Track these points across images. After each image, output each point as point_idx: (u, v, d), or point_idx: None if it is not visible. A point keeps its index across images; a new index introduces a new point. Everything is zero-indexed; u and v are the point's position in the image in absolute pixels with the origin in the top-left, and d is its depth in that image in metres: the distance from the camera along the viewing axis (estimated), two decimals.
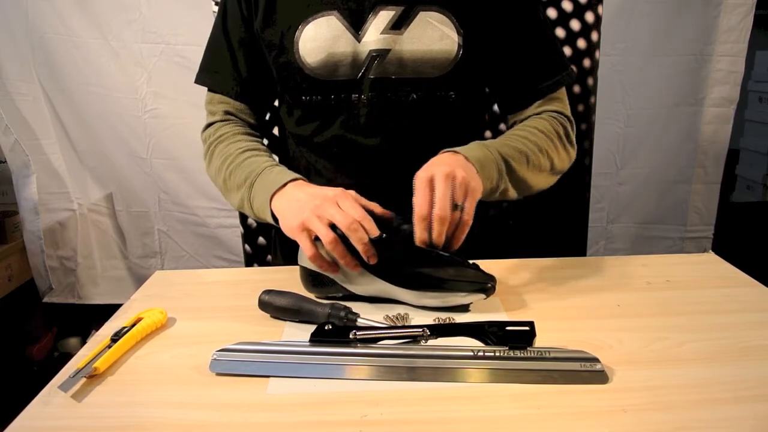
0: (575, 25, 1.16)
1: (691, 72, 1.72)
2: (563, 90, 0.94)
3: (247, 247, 1.27)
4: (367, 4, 0.85)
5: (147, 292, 0.84)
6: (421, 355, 0.62)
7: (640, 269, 0.85)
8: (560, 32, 1.17)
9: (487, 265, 0.74)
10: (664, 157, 1.82)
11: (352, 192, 0.75)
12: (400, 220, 0.75)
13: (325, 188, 0.76)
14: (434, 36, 0.85)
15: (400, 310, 0.73)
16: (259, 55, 0.92)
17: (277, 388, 0.58)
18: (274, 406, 0.56)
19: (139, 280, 1.76)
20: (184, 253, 1.93)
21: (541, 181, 0.88)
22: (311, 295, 0.76)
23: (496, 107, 1.15)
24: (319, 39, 0.85)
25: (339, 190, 0.74)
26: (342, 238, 0.70)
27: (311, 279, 0.77)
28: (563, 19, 1.16)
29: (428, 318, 0.71)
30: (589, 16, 1.16)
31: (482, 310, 0.73)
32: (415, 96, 0.88)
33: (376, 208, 0.75)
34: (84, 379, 0.60)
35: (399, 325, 0.70)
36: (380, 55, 0.85)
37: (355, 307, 0.71)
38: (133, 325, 0.68)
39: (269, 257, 1.20)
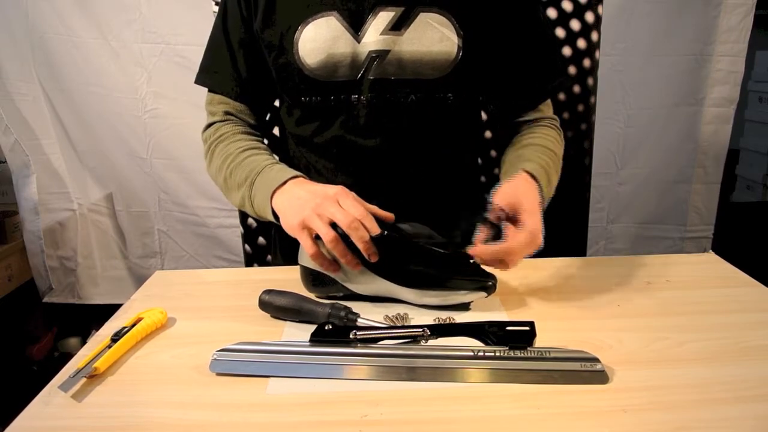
0: (575, 25, 1.16)
1: (691, 72, 1.72)
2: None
3: (247, 247, 1.27)
4: (367, 4, 0.85)
5: (147, 292, 0.84)
6: (421, 355, 0.62)
7: (640, 269, 0.85)
8: (560, 32, 1.17)
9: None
10: (664, 157, 1.82)
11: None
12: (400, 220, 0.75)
13: (326, 186, 0.76)
14: (434, 37, 0.85)
15: (400, 310, 0.73)
16: (259, 56, 0.92)
17: (277, 388, 0.58)
18: (274, 406, 0.56)
19: (139, 280, 1.76)
20: (184, 253, 1.93)
21: None
22: (311, 295, 0.76)
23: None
24: (319, 40, 0.85)
25: (339, 188, 0.74)
26: (343, 237, 0.70)
27: (312, 278, 0.77)
28: (563, 19, 1.16)
29: (428, 318, 0.71)
30: (589, 16, 1.16)
31: (482, 310, 0.73)
32: (414, 97, 0.88)
33: (377, 210, 0.75)
34: (84, 379, 0.60)
35: (399, 325, 0.70)
36: (380, 56, 0.85)
37: (355, 306, 0.71)
38: (133, 325, 0.68)
39: (269, 257, 1.20)
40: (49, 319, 1.90)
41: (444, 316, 0.71)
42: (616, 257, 0.91)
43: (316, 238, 0.73)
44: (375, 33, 0.85)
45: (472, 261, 0.73)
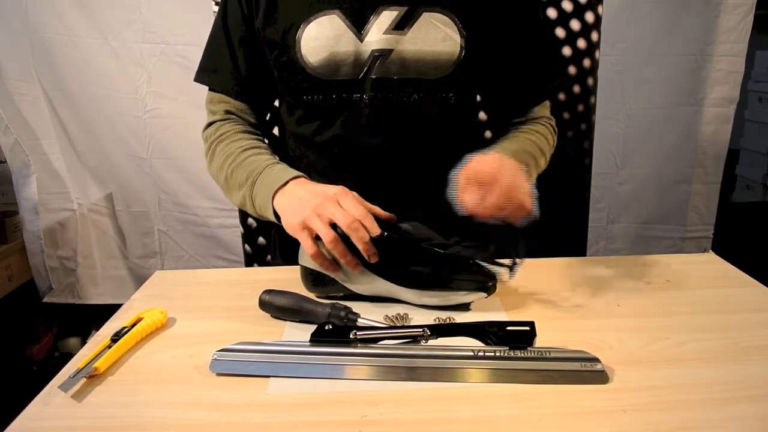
0: (575, 25, 1.16)
1: (691, 72, 1.72)
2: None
3: (247, 247, 1.27)
4: (369, 3, 0.85)
5: (147, 292, 0.84)
6: (421, 355, 0.62)
7: (640, 269, 0.85)
8: (560, 32, 1.17)
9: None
10: (664, 157, 1.82)
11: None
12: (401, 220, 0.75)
13: (327, 186, 0.76)
14: (437, 37, 0.85)
15: (400, 310, 0.73)
16: (259, 54, 0.92)
17: (277, 388, 0.58)
18: (274, 406, 0.56)
19: (139, 280, 1.76)
20: (184, 253, 1.93)
21: None
22: (311, 295, 0.76)
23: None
24: (321, 38, 0.85)
25: (340, 188, 0.74)
26: (343, 237, 0.70)
27: (312, 278, 0.77)
28: (563, 19, 1.16)
29: (428, 318, 0.71)
30: (589, 16, 1.16)
31: (482, 310, 0.73)
32: (416, 96, 0.88)
33: (378, 211, 0.75)
34: (84, 379, 0.60)
35: (399, 325, 0.70)
36: (382, 55, 0.85)
37: (355, 306, 0.71)
38: (133, 325, 0.68)
39: (269, 257, 1.20)
40: (49, 319, 1.90)
41: (444, 316, 0.71)
42: (616, 257, 0.91)
43: (317, 238, 0.73)
44: (378, 32, 0.85)
45: (472, 261, 0.73)
